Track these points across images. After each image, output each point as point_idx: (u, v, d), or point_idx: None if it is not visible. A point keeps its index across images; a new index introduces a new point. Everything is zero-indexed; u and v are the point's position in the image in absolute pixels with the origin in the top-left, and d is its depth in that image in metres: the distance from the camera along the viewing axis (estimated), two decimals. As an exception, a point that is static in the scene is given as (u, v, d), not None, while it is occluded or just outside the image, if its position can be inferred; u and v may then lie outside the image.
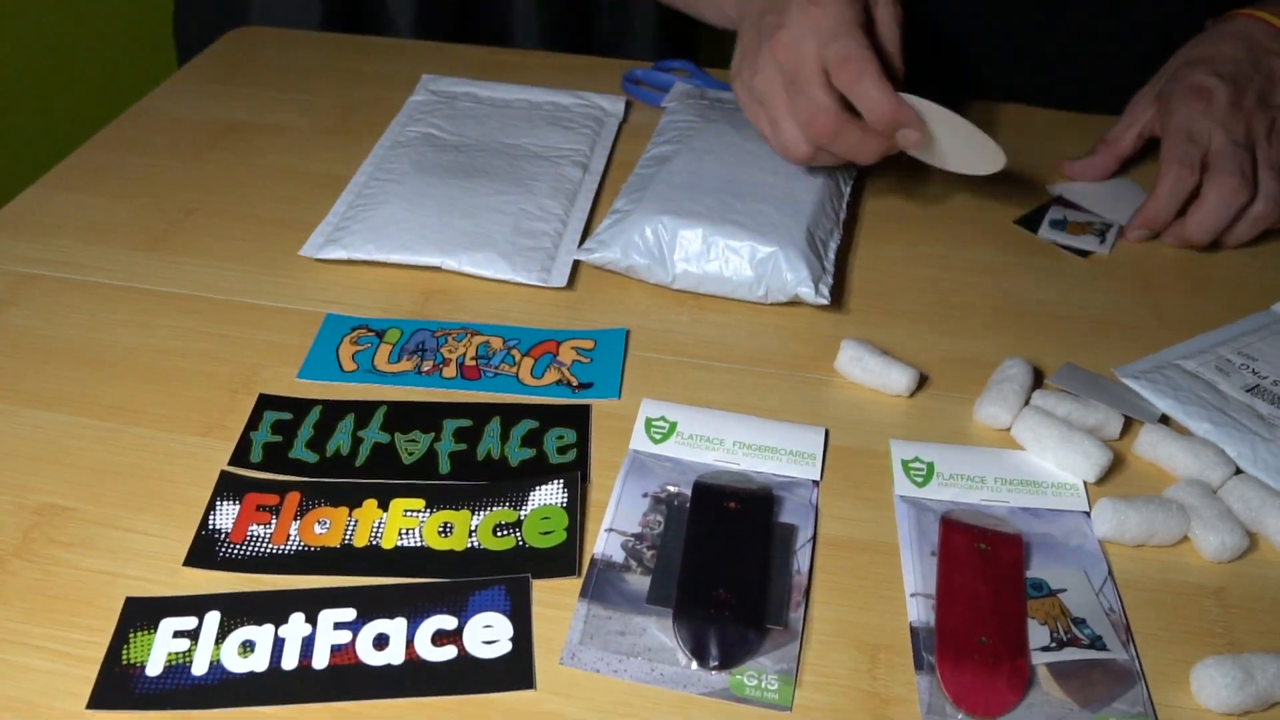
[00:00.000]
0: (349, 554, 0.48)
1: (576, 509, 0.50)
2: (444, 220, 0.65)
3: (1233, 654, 0.44)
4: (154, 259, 0.66)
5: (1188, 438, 0.54)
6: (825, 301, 0.61)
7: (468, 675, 0.43)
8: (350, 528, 0.49)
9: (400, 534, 0.49)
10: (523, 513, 0.50)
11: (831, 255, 0.64)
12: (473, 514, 0.50)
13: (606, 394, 0.56)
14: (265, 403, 0.56)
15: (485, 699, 0.43)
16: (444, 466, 0.52)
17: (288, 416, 0.55)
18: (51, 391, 0.56)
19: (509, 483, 0.51)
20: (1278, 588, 0.49)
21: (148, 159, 0.76)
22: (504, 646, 0.44)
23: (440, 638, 0.45)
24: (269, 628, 0.45)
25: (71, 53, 1.14)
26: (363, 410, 0.55)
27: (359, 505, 0.50)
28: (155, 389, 0.56)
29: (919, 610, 0.46)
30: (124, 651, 0.44)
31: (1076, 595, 0.47)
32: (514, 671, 0.43)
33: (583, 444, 0.53)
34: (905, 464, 0.53)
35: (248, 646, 0.44)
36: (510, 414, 0.55)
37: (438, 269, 0.64)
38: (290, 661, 0.44)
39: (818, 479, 0.53)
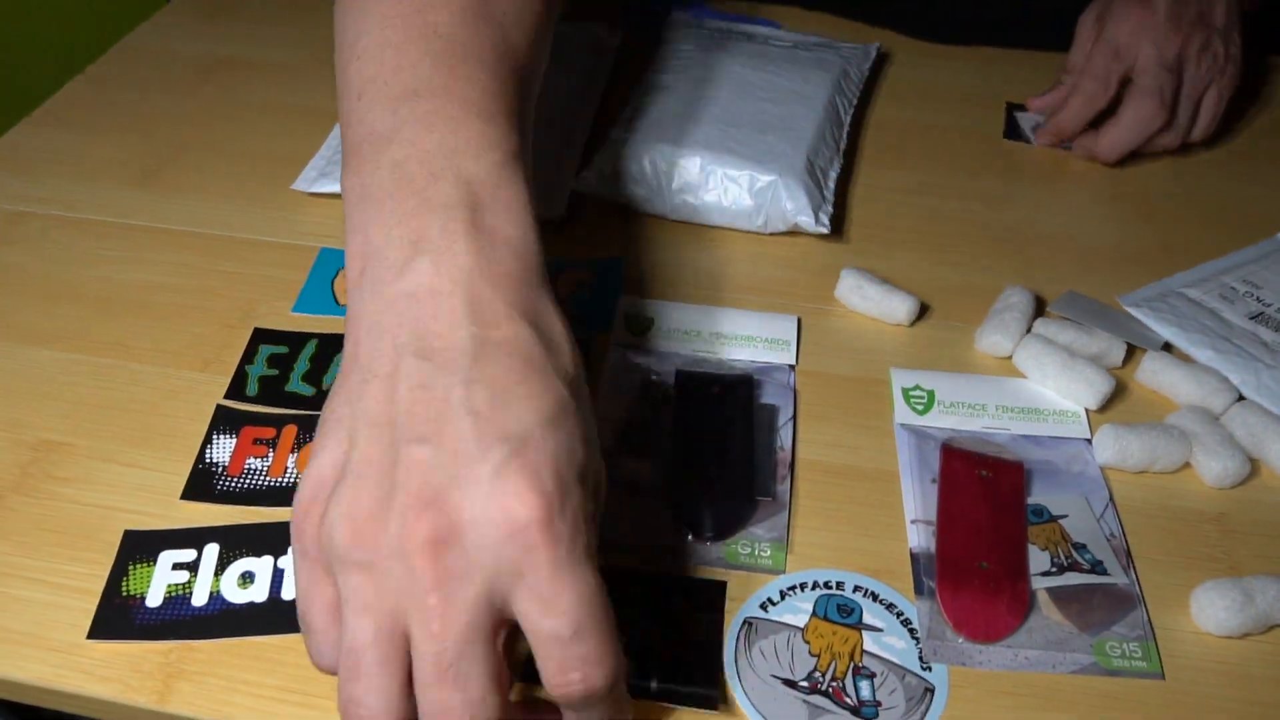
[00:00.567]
0: (347, 486, 0.48)
1: (575, 439, 0.49)
2: (438, 152, 0.64)
3: (1232, 577, 0.44)
4: (146, 195, 0.65)
5: (1190, 365, 0.53)
6: (825, 230, 0.60)
7: (467, 603, 0.43)
8: (348, 460, 0.49)
9: (398, 466, 0.49)
10: (521, 443, 0.50)
11: (831, 184, 0.63)
12: (471, 445, 0.50)
13: (605, 325, 0.56)
14: (260, 337, 0.55)
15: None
16: (441, 399, 0.52)
17: (283, 350, 0.54)
18: (47, 328, 0.56)
19: (507, 414, 0.51)
20: (1278, 512, 0.49)
21: (138, 95, 0.75)
22: (503, 575, 0.44)
23: (439, 567, 0.45)
24: (268, 559, 0.45)
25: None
26: (359, 344, 0.55)
27: (356, 438, 0.50)
28: (150, 325, 0.56)
29: (919, 536, 0.46)
30: (124, 583, 0.44)
31: (1077, 521, 0.47)
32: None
33: (581, 375, 0.53)
34: (906, 392, 0.53)
35: (247, 578, 0.44)
36: (507, 346, 0.55)
37: (433, 202, 0.63)
38: (290, 592, 0.44)
39: (793, 363, 0.54)
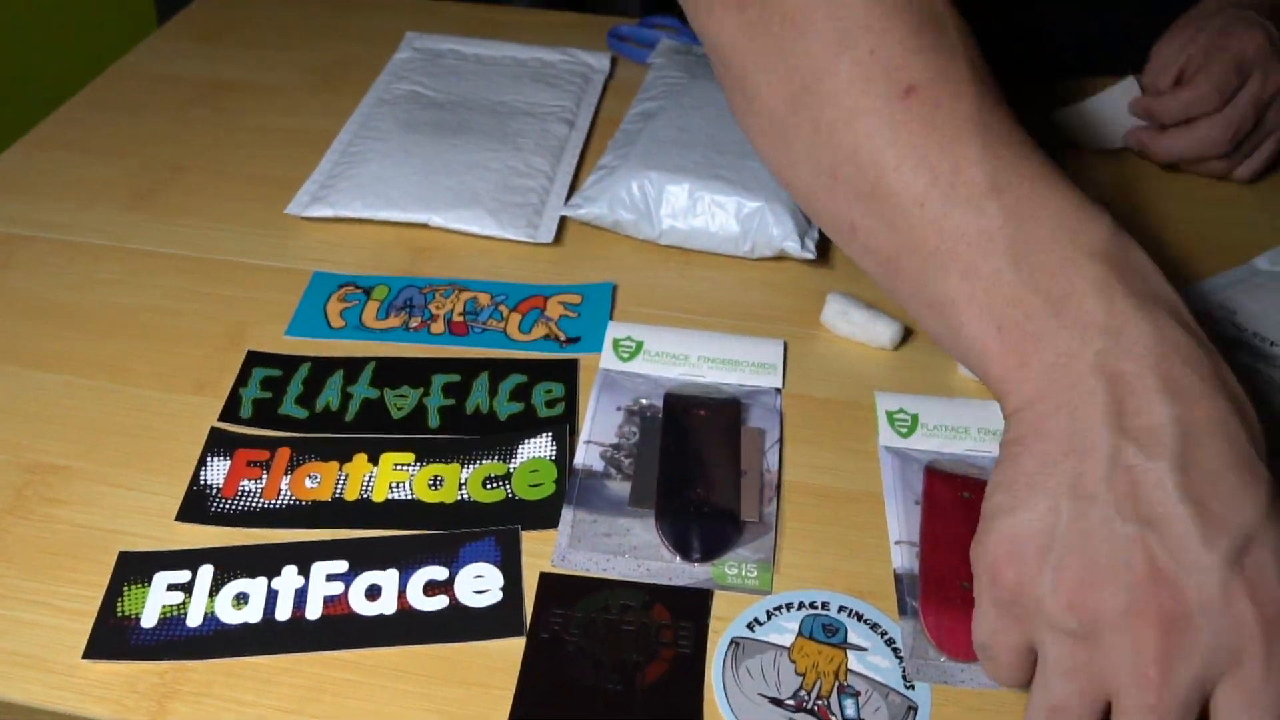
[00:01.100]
0: (340, 507, 0.49)
1: (566, 462, 0.50)
2: (430, 177, 0.65)
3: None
4: (142, 218, 0.66)
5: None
6: (811, 256, 0.61)
7: (459, 623, 0.44)
8: (341, 482, 0.50)
9: (391, 487, 0.49)
10: (512, 465, 0.50)
11: None
12: (462, 467, 0.50)
13: (593, 348, 0.57)
14: (254, 360, 0.56)
15: (477, 646, 0.43)
16: (433, 421, 0.53)
17: (277, 373, 0.55)
18: (45, 351, 0.56)
19: (498, 436, 0.52)
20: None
21: (131, 118, 0.76)
22: (494, 596, 0.45)
23: (432, 588, 0.45)
24: (262, 580, 0.46)
25: (50, 11, 1.13)
26: (351, 366, 0.56)
27: (349, 460, 0.51)
28: (146, 348, 0.57)
29: (903, 557, 0.47)
30: (119, 604, 0.45)
31: None
32: (505, 619, 0.44)
33: (571, 398, 0.54)
34: (890, 415, 0.54)
35: (241, 599, 0.45)
36: (498, 369, 0.55)
37: (425, 226, 0.64)
38: (284, 613, 0.44)
39: (780, 387, 0.55)
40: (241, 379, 0.55)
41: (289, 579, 0.46)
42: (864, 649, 0.44)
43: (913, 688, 0.42)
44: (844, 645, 0.44)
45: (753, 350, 0.57)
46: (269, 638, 0.44)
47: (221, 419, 0.53)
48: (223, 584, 0.45)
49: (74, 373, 0.55)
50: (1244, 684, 0.34)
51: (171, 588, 0.45)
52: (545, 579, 0.46)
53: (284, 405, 0.54)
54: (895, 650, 0.44)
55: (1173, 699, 0.34)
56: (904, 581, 0.46)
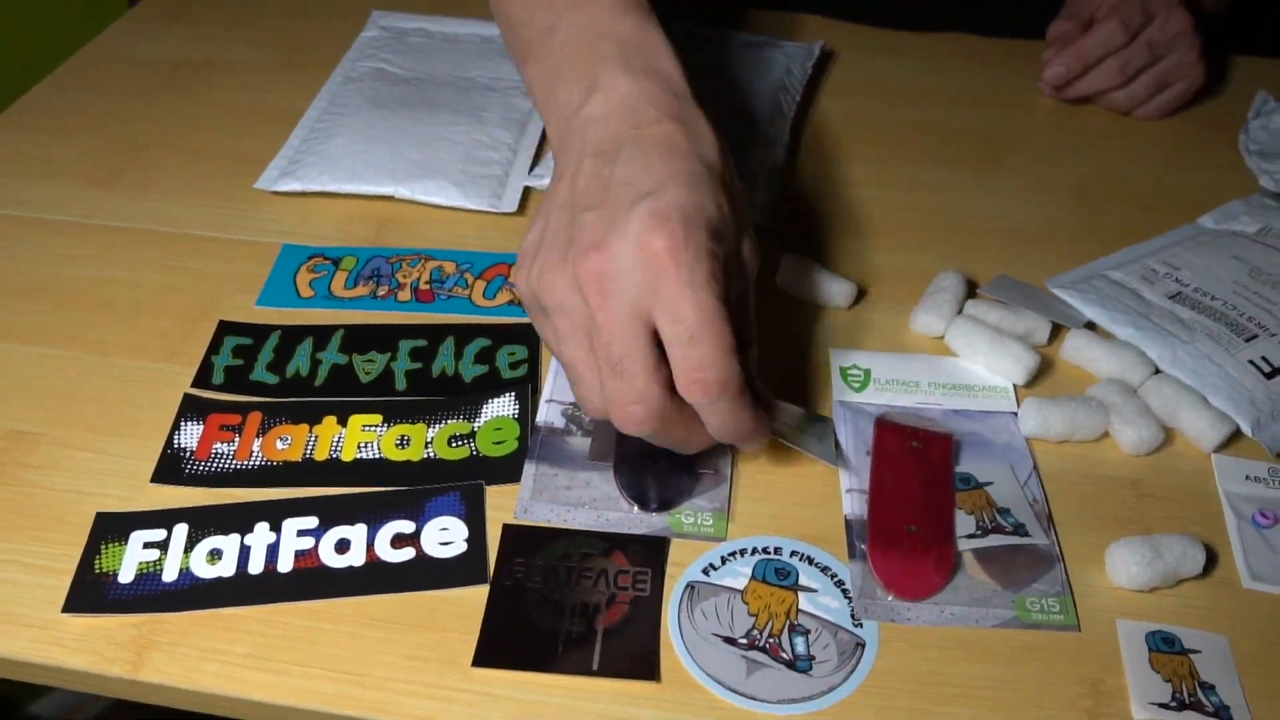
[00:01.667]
0: (310, 467, 0.50)
1: (528, 419, 0.52)
2: (396, 150, 0.67)
3: (1143, 535, 0.47)
4: (111, 195, 0.67)
5: (1111, 341, 0.57)
6: (762, 219, 0.63)
7: (425, 573, 0.46)
8: (311, 443, 0.51)
9: (359, 447, 0.51)
10: (476, 424, 0.52)
11: (767, 175, 0.66)
12: (428, 427, 0.52)
13: (556, 312, 0.58)
14: (225, 329, 0.57)
15: (443, 594, 0.45)
16: (400, 384, 0.54)
17: (248, 341, 0.57)
18: (16, 324, 0.58)
19: (463, 397, 0.53)
20: (1190, 478, 0.52)
21: (102, 97, 0.77)
22: (459, 547, 0.47)
23: (399, 540, 0.47)
24: (235, 537, 0.47)
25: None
26: (321, 334, 0.57)
27: (319, 422, 0.52)
28: (117, 319, 0.58)
29: (853, 504, 0.49)
30: (96, 562, 0.46)
31: (1002, 488, 0.50)
32: (469, 568, 0.46)
33: (534, 360, 0.56)
34: (844, 371, 0.56)
35: (215, 554, 0.46)
36: (464, 333, 0.57)
37: (391, 198, 0.66)
38: (257, 567, 0.46)
39: None
40: (213, 347, 0.56)
41: (261, 535, 0.47)
42: (814, 590, 0.46)
43: (860, 625, 0.45)
44: (795, 587, 0.46)
45: None
46: (242, 590, 0.45)
47: (194, 386, 0.54)
48: (197, 541, 0.47)
49: (46, 344, 0.56)
50: (664, 305, 0.41)
51: (148, 545, 0.47)
52: (508, 530, 0.48)
53: (255, 372, 0.55)
54: (844, 591, 0.46)
55: (617, 331, 0.42)
56: (853, 527, 0.48)
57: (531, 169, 0.67)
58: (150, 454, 0.51)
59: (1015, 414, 0.54)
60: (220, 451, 0.51)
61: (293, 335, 0.57)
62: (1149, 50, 0.76)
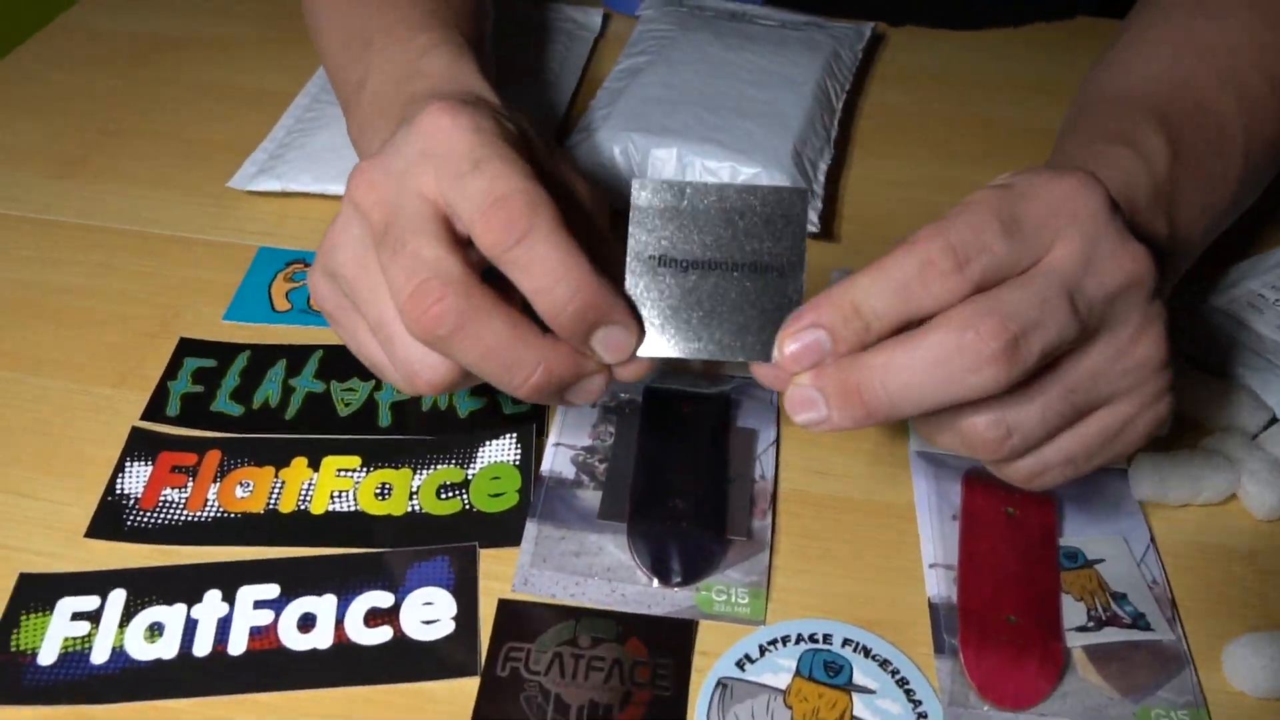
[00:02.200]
0: (273, 521, 0.43)
1: (531, 468, 0.44)
2: (388, 141, 0.58)
3: (1270, 631, 0.39)
4: (67, 186, 0.60)
5: (1218, 380, 0.48)
6: (815, 229, 0.54)
7: (404, 661, 0.38)
8: (276, 490, 0.44)
9: (332, 497, 0.43)
10: (470, 471, 0.44)
11: (821, 177, 0.58)
12: (414, 473, 0.44)
13: (568, 336, 0.50)
14: (186, 348, 0.50)
15: (423, 688, 0.37)
16: (384, 419, 0.47)
17: (211, 364, 0.49)
18: (-54, 337, 0.50)
19: (455, 437, 0.46)
20: (1318, 549, 0.44)
21: (68, 75, 0.69)
22: (446, 627, 0.39)
23: (374, 617, 0.39)
24: (180, 608, 0.40)
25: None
26: (295, 355, 0.49)
27: (286, 464, 0.45)
28: (61, 333, 0.50)
29: (938, 584, 0.41)
30: (14, 636, 0.39)
31: (1116, 566, 0.42)
32: (457, 655, 0.38)
33: (541, 392, 0.48)
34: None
35: (155, 630, 0.39)
36: (460, 359, 0.49)
37: (384, 196, 0.58)
38: (203, 647, 0.39)
39: None
40: (170, 371, 0.49)
41: (211, 606, 0.40)
42: (872, 691, 0.38)
43: (934, 739, 0.37)
44: (848, 687, 0.38)
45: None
46: (184, 677, 0.38)
47: (144, 417, 0.47)
48: (135, 612, 0.40)
49: (-21, 363, 0.49)
50: (446, 159, 0.35)
51: (76, 616, 0.39)
52: (504, 606, 0.40)
53: (217, 401, 0.47)
54: (909, 693, 0.38)
55: (391, 206, 0.35)
56: (940, 613, 0.40)
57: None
58: (89, 500, 0.43)
59: (1123, 470, 0.45)
60: (169, 499, 0.43)
61: (263, 356, 0.49)
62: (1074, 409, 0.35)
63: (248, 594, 0.40)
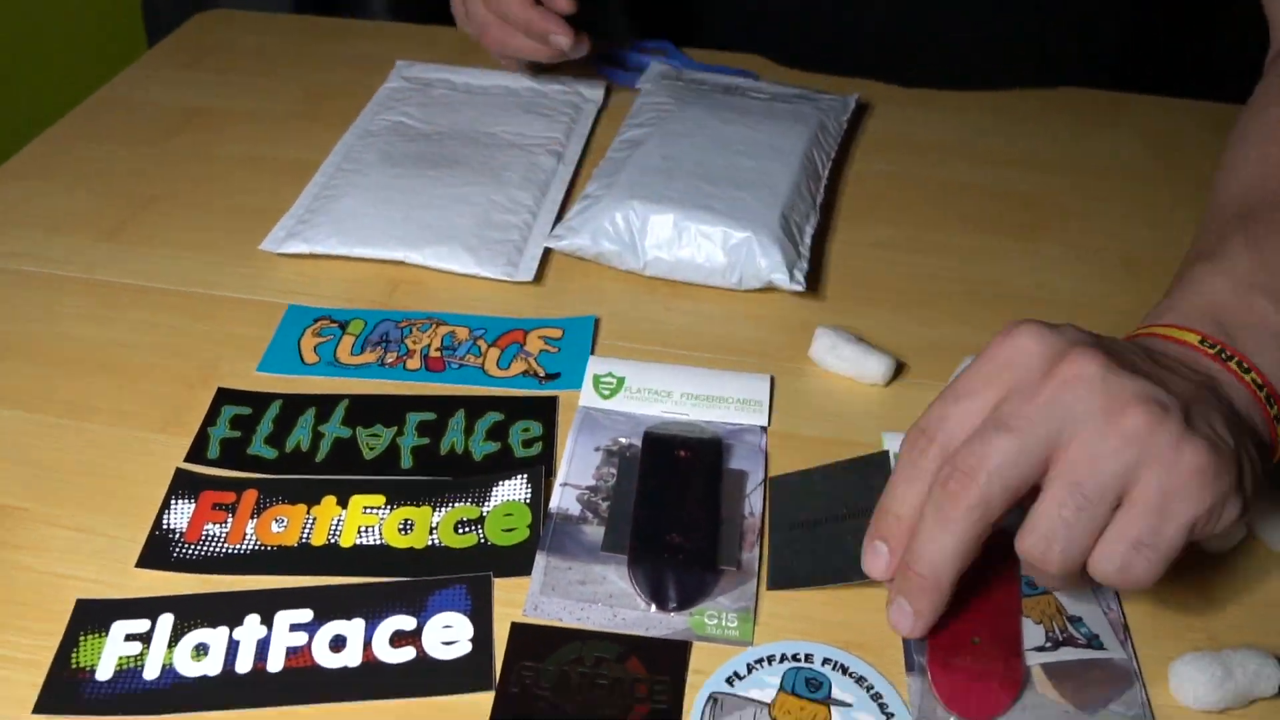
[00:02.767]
0: (306, 553, 0.47)
1: (541, 505, 0.49)
2: (410, 213, 0.64)
3: (1212, 650, 0.43)
4: (114, 249, 0.65)
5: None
6: (800, 288, 0.59)
7: (426, 677, 0.42)
8: (308, 526, 0.48)
9: (359, 532, 0.48)
10: (485, 509, 0.49)
11: (807, 240, 0.63)
12: (434, 510, 0.49)
13: (573, 384, 0.55)
14: (224, 397, 0.54)
15: (444, 701, 0.41)
16: (406, 461, 0.51)
17: (246, 411, 0.53)
18: (11, 388, 0.55)
19: (471, 478, 0.50)
20: (1257, 578, 0.48)
21: (110, 146, 0.75)
22: (464, 647, 0.43)
23: (399, 639, 0.43)
24: (223, 630, 0.44)
25: (42, 36, 1.12)
26: (324, 404, 0.54)
27: (317, 502, 0.49)
28: (111, 384, 0.55)
29: (907, 609, 0.45)
30: (74, 655, 0.43)
31: (1073, 592, 0.46)
32: (473, 672, 0.42)
33: (549, 437, 0.52)
34: (897, 458, 0.52)
35: (201, 650, 0.43)
36: (475, 406, 0.54)
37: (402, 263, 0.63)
38: (245, 665, 0.43)
39: (766, 425, 0.53)
40: (210, 417, 0.53)
41: (251, 629, 0.44)
42: (848, 704, 0.42)
43: (904, 747, 0.40)
44: (827, 701, 0.42)
45: (738, 386, 0.55)
46: (228, 691, 0.42)
47: (187, 460, 0.51)
48: (182, 634, 0.44)
49: (32, 409, 0.53)
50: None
51: (129, 638, 0.43)
52: (516, 629, 0.44)
53: (253, 445, 0.52)
54: (882, 706, 0.42)
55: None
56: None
57: (553, 228, 0.64)
58: (138, 533, 0.48)
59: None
60: (211, 533, 0.48)
61: (294, 405, 0.54)
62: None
63: (284, 618, 0.44)
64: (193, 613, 0.44)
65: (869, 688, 0.42)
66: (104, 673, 0.42)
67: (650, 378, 0.55)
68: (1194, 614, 0.46)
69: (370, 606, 0.45)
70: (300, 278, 0.62)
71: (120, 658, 0.43)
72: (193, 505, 0.49)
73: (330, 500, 0.49)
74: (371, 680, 0.42)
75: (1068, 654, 0.43)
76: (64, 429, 0.52)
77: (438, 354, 0.56)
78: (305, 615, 0.44)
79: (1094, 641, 0.44)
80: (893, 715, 0.41)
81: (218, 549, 0.47)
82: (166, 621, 0.44)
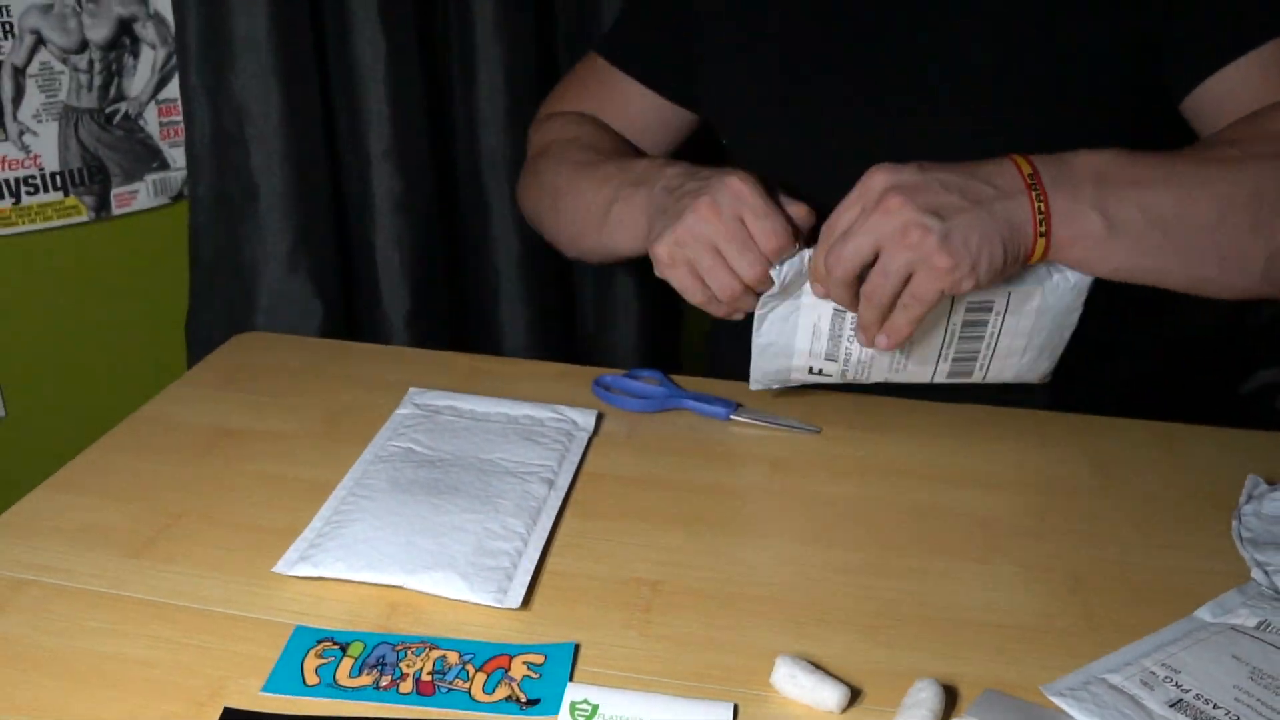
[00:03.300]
0: None
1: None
2: (411, 539, 0.70)
3: None
4: (140, 566, 0.71)
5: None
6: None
7: None
8: None
9: None
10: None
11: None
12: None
13: (552, 710, 0.59)
14: (230, 717, 0.59)
15: None
16: (394, 786, 0.55)
17: (249, 733, 0.58)
18: (29, 700, 0.59)
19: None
20: None
21: (146, 463, 0.82)
22: None
23: None
24: None
25: (88, 362, 1.23)
26: (321, 725, 0.58)
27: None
28: (123, 701, 0.59)
29: None
30: None
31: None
32: None
33: (528, 765, 0.56)
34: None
35: None
36: (459, 732, 0.58)
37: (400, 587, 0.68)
38: None
39: None
40: (214, 739, 0.57)
41: None
42: None
43: None
44: None
45: (703, 714, 0.59)
46: None
47: (189, 784, 0.55)
48: None
49: (43, 725, 0.58)
50: None
51: None
52: None
53: (251, 767, 0.56)
54: None
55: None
56: None
57: (542, 556, 0.70)
58: None
59: None
60: None
61: (294, 726, 0.58)
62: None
63: None
64: None
65: None
66: None
67: (623, 705, 0.59)
68: None
69: None
70: (306, 597, 0.68)
71: None
72: (190, 829, 0.52)
73: (318, 826, 0.52)
74: None
75: None
76: (73, 747, 0.57)
77: (429, 678, 0.61)
78: None
79: None
80: None
81: None
82: None
